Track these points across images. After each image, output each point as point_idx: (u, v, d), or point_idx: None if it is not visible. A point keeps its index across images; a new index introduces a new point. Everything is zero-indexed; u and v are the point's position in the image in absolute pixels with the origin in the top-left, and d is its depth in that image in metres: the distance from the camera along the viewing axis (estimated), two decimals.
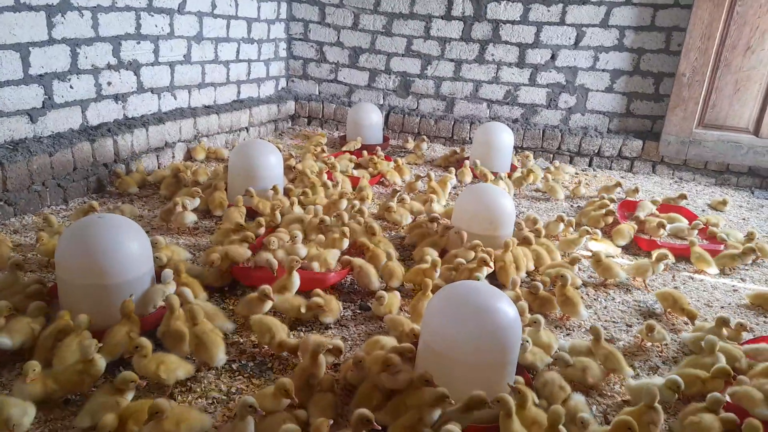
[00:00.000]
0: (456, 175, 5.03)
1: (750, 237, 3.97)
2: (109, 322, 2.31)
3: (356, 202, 4.01)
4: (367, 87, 7.05)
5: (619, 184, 5.09)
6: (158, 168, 4.84)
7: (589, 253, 3.68)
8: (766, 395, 2.16)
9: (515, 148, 6.00)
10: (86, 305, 2.35)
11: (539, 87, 6.43)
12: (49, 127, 4.02)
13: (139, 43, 4.70)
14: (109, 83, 4.48)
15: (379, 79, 6.97)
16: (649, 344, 2.76)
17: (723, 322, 2.69)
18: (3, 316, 2.24)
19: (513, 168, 5.55)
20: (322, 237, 3.36)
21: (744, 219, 4.86)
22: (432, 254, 3.22)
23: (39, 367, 2.00)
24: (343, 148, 5.79)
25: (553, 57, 6.28)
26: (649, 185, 5.69)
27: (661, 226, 4.11)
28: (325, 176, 4.55)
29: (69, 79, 4.11)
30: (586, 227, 3.83)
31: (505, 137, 5.46)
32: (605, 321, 2.99)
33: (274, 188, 3.97)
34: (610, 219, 4.21)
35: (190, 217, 3.63)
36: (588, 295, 3.26)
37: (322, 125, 7.10)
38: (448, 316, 2.07)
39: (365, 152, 5.48)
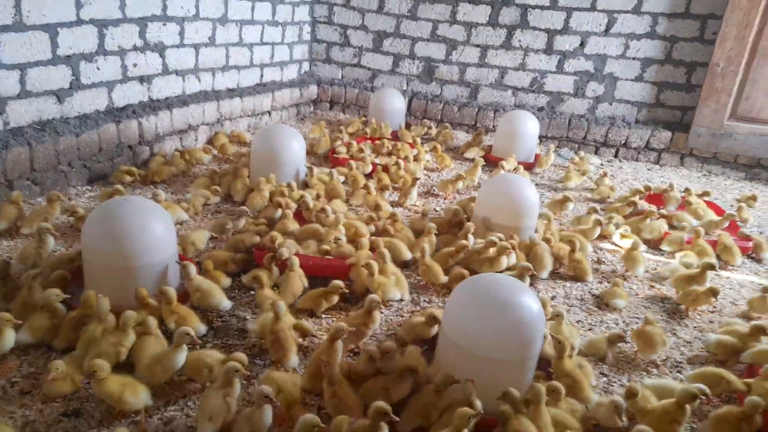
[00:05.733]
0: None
1: None
2: (132, 304, 2.34)
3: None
4: (391, 72, 6.97)
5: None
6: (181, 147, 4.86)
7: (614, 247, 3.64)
8: None
9: (540, 137, 5.90)
10: (110, 287, 2.38)
11: (566, 75, 6.29)
12: (76, 108, 4.06)
13: (165, 24, 4.70)
14: (134, 65, 4.49)
15: (402, 64, 6.89)
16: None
17: (760, 330, 2.57)
18: (7, 327, 2.12)
19: (537, 157, 5.46)
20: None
21: None
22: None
23: (63, 366, 1.98)
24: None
25: (582, 44, 6.14)
26: (676, 178, 5.55)
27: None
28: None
29: (96, 60, 4.13)
30: (597, 217, 3.76)
31: (530, 126, 5.37)
32: (629, 317, 2.94)
33: (289, 185, 3.86)
34: (628, 210, 4.16)
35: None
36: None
37: (344, 110, 7.06)
38: (470, 309, 2.05)
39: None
